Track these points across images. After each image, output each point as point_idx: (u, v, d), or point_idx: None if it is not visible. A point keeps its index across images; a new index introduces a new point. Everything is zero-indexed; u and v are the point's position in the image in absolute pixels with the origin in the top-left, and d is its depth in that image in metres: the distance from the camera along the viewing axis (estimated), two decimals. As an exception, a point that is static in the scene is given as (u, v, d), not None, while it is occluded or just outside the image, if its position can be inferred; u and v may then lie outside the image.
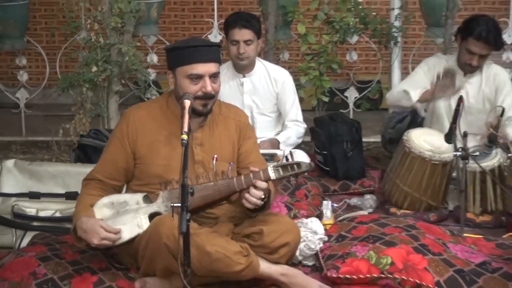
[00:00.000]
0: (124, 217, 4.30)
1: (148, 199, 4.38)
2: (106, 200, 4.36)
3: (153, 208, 4.34)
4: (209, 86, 4.36)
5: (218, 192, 4.34)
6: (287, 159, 4.37)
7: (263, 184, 4.24)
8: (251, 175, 4.27)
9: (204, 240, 4.13)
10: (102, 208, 4.32)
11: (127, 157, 4.48)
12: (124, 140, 4.48)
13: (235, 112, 4.76)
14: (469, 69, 6.15)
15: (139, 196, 4.39)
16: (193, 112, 4.33)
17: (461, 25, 6.26)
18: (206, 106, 4.43)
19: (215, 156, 4.52)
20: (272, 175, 4.27)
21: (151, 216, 4.29)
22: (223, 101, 4.80)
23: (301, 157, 5.96)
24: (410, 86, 6.25)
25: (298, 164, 4.32)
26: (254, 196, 4.24)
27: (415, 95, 6.11)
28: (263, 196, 4.27)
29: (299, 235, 4.51)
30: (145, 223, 4.26)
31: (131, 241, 4.27)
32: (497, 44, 6.05)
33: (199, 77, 4.35)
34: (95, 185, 4.47)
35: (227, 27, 6.24)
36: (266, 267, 4.31)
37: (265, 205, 4.42)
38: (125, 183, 4.58)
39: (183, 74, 4.38)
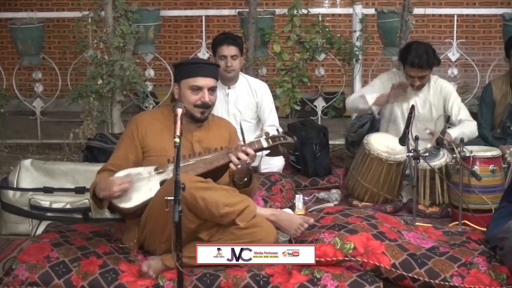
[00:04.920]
0: (138, 184, 4.29)
1: (159, 169, 4.37)
2: (122, 172, 4.36)
3: (163, 176, 4.33)
4: (207, 97, 4.49)
5: (217, 160, 4.39)
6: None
7: (250, 151, 4.33)
8: (246, 144, 4.38)
9: (218, 200, 4.17)
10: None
11: (136, 151, 4.51)
12: (134, 138, 4.52)
13: (225, 122, 4.91)
14: (416, 88, 6.15)
15: (150, 168, 4.39)
16: (192, 118, 4.52)
17: (399, 54, 6.32)
18: (203, 114, 4.54)
19: (210, 150, 4.52)
20: (264, 144, 4.40)
21: (162, 183, 4.28)
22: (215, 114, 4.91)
23: (276, 158, 5.96)
24: (367, 92, 6.25)
25: (284, 137, 4.45)
26: (242, 158, 4.32)
27: (370, 99, 6.13)
28: (248, 161, 4.34)
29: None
30: (156, 188, 4.26)
31: (143, 207, 4.26)
32: (430, 64, 6.05)
33: (199, 88, 4.47)
34: (108, 174, 4.44)
35: (216, 44, 6.20)
36: (258, 209, 4.40)
37: (249, 184, 4.51)
38: None
39: (186, 86, 4.50)
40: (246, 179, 4.52)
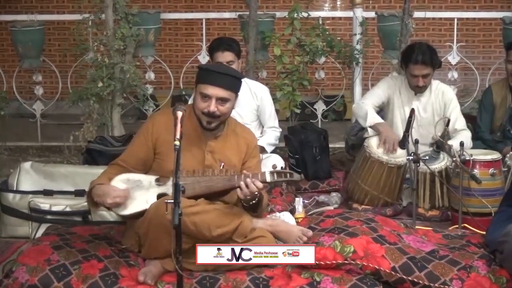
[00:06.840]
0: (136, 193, 4.28)
1: (160, 181, 4.35)
2: (123, 176, 4.35)
3: (162, 189, 4.30)
4: (212, 107, 4.35)
5: (217, 185, 4.30)
6: (282, 168, 4.37)
7: (259, 184, 4.20)
8: (250, 175, 4.25)
9: (209, 223, 4.17)
10: (118, 182, 4.31)
11: (148, 150, 4.46)
12: (148, 136, 4.47)
13: (245, 133, 4.74)
14: (419, 90, 6.12)
15: (152, 178, 4.38)
16: (201, 125, 4.43)
17: (401, 56, 6.26)
18: (210, 124, 4.42)
19: (222, 164, 4.47)
20: (268, 178, 4.25)
21: (159, 196, 4.24)
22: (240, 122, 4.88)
23: (276, 160, 5.95)
24: (372, 98, 6.21)
25: (291, 174, 4.33)
26: (250, 189, 4.19)
27: (370, 120, 6.04)
28: (256, 192, 4.23)
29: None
30: (152, 200, 4.23)
31: (139, 215, 4.24)
32: (433, 62, 6.00)
33: (208, 97, 4.36)
34: (117, 167, 4.45)
35: (211, 51, 6.18)
36: (255, 222, 4.38)
37: (256, 207, 4.42)
38: (143, 173, 4.49)
39: (198, 91, 4.41)
40: (253, 202, 4.38)
